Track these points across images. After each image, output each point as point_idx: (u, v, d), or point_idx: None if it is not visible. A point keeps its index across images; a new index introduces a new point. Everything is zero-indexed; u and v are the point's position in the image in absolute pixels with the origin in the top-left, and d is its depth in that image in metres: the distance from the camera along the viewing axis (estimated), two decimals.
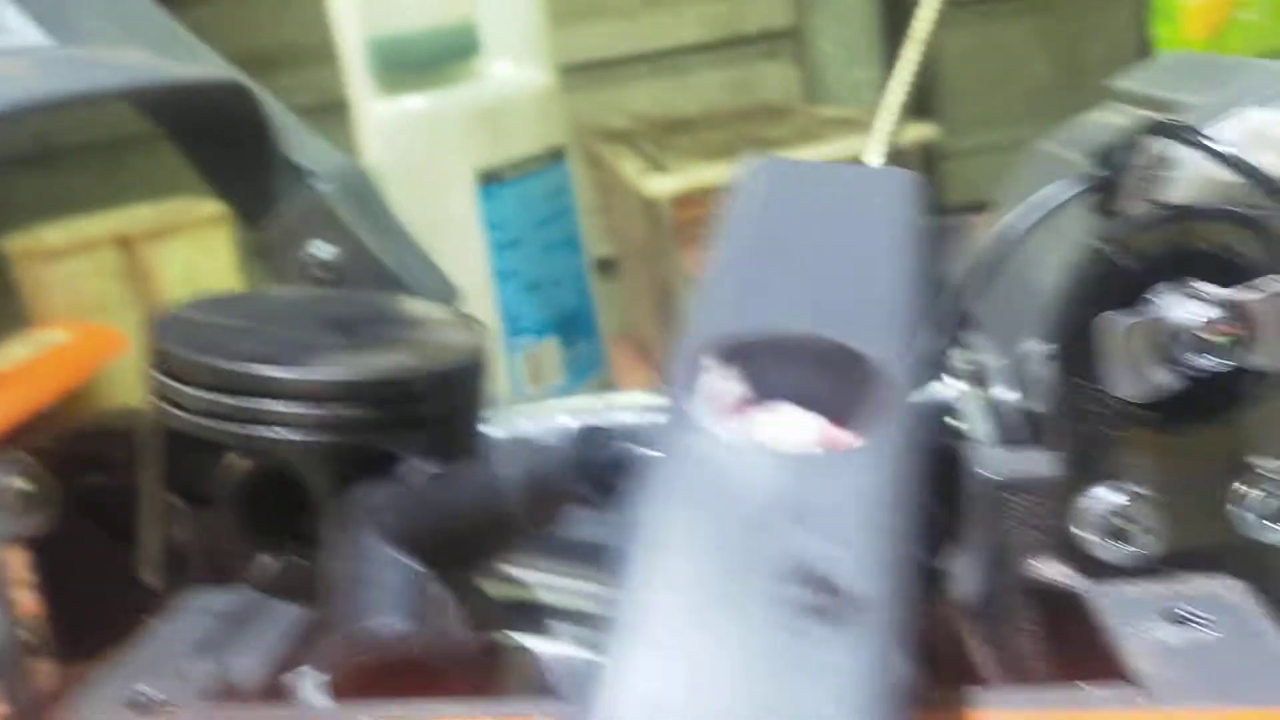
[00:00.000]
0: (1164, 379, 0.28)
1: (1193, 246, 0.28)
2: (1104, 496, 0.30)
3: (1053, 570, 0.31)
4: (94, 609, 0.52)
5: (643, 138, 1.69)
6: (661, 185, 1.41)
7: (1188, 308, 0.28)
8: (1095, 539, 0.30)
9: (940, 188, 2.04)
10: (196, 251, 1.75)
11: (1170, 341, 0.28)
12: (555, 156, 1.29)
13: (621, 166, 1.54)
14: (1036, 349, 0.35)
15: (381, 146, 1.16)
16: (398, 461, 0.38)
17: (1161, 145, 0.30)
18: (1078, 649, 0.30)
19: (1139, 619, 0.28)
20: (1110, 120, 0.40)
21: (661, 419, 0.18)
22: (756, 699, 0.15)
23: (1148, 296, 0.29)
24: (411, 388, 0.38)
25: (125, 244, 1.72)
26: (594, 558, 0.45)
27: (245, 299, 0.45)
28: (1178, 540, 0.30)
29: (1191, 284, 0.28)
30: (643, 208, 1.48)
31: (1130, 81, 0.41)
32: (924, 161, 1.67)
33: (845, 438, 0.18)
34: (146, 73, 0.48)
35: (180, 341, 0.38)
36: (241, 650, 0.32)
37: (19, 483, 0.48)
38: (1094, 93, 0.43)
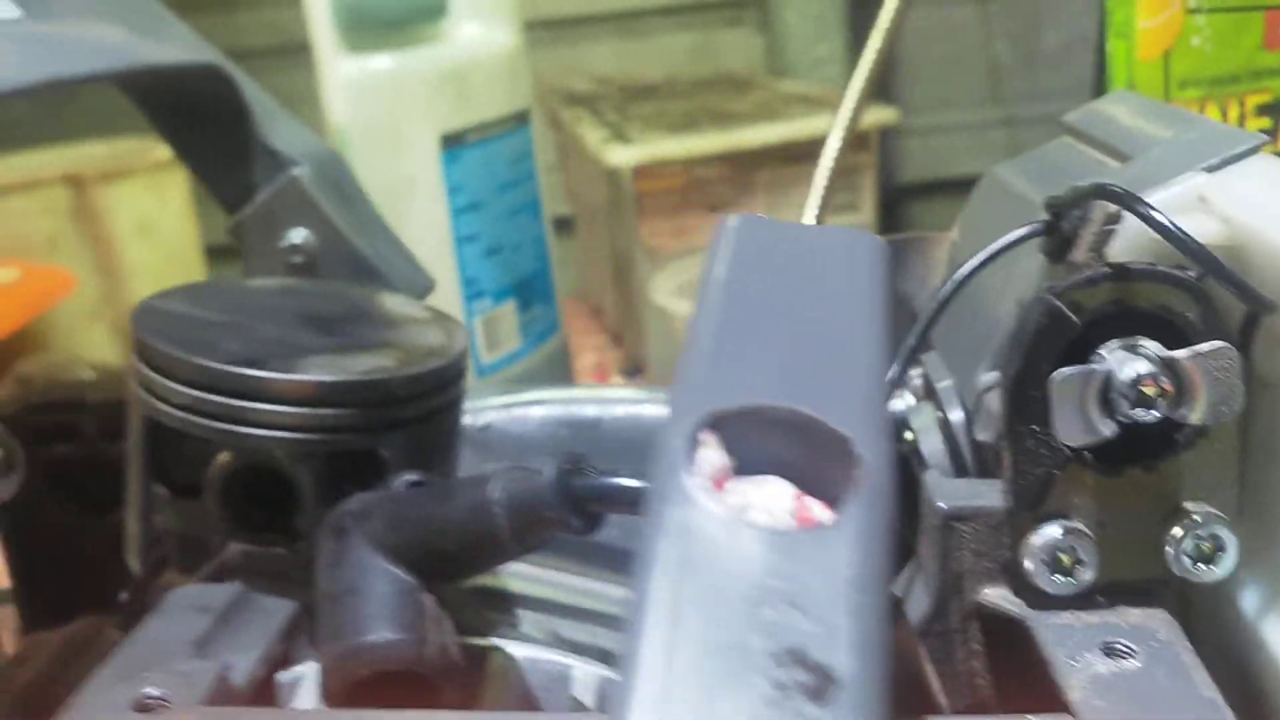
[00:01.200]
0: (1105, 427, 0.30)
1: (1134, 305, 0.30)
2: (1048, 531, 0.32)
3: (1000, 598, 0.34)
4: (61, 578, 0.53)
5: (604, 103, 1.69)
6: (623, 156, 1.42)
7: (1129, 363, 0.30)
8: (1039, 570, 0.32)
9: (895, 165, 2.06)
10: (150, 194, 1.72)
11: (1111, 394, 0.30)
12: (519, 120, 1.29)
13: (583, 133, 1.54)
14: (987, 382, 0.37)
15: (345, 106, 1.16)
16: (379, 460, 0.39)
17: (1109, 205, 0.32)
18: (1022, 676, 0.33)
19: (1076, 648, 0.31)
20: (1064, 158, 0.42)
21: (653, 484, 0.20)
22: None
23: (1095, 347, 0.31)
24: (392, 390, 0.39)
25: (76, 183, 1.68)
26: (588, 555, 0.46)
27: (223, 290, 0.46)
28: (1115, 574, 0.33)
29: (1135, 340, 0.31)
30: (603, 176, 1.49)
31: (1084, 119, 0.43)
32: (880, 138, 1.69)
33: (823, 513, 0.20)
34: (124, 55, 0.47)
35: (164, 335, 0.39)
36: (237, 648, 0.33)
37: None
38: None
